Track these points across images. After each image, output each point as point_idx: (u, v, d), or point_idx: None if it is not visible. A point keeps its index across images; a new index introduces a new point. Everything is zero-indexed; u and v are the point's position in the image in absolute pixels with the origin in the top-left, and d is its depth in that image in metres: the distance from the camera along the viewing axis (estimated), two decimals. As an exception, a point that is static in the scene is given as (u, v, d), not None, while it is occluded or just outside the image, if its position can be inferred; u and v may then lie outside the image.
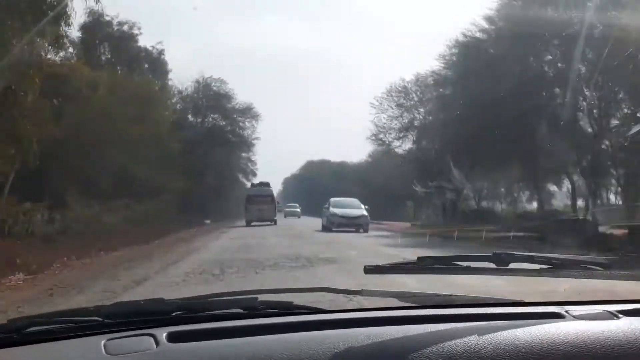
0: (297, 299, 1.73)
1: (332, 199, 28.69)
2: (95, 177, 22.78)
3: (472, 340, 1.41)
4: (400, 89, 36.18)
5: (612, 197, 29.34)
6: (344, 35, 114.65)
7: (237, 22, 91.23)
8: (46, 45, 14.59)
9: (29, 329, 1.55)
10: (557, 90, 22.10)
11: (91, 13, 27.14)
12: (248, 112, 44.65)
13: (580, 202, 25.93)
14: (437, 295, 1.87)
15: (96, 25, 30.73)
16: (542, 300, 1.81)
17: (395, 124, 36.58)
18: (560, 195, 33.88)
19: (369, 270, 1.80)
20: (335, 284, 4.36)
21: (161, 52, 35.75)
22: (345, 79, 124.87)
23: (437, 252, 11.48)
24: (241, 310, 1.66)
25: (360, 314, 1.66)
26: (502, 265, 1.84)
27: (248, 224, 32.28)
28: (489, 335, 1.43)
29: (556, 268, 1.85)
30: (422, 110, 35.75)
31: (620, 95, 20.89)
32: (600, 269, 1.83)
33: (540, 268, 1.84)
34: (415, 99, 35.87)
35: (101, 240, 15.76)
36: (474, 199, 36.76)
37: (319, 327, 1.52)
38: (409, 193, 38.52)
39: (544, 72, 22.24)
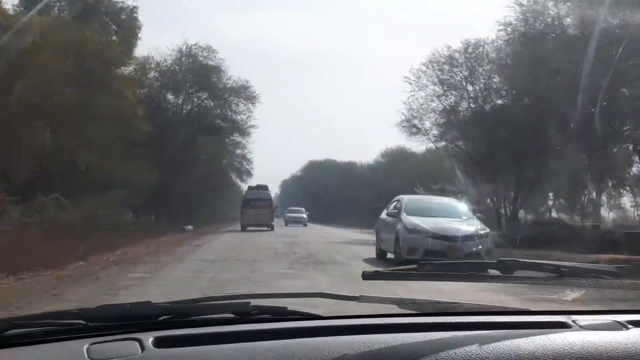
0: (292, 304, 1.68)
1: (405, 198, 15.21)
2: (10, 160, 16.67)
3: (474, 349, 1.36)
4: (444, 59, 27.25)
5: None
6: (346, 28, 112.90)
7: (233, 15, 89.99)
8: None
9: (8, 332, 1.50)
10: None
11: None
12: (243, 92, 36.09)
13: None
14: (438, 302, 1.82)
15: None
16: (548, 309, 1.76)
17: (437, 106, 28.10)
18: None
19: (367, 275, 1.75)
20: None
21: (133, 10, 28.21)
22: (349, 75, 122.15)
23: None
24: (232, 315, 1.62)
25: (357, 320, 1.61)
26: (507, 273, 1.79)
27: (243, 229, 31.63)
28: (491, 344, 1.38)
29: (564, 276, 1.79)
30: (474, 87, 27.25)
31: None
32: (610, 277, 1.77)
33: (547, 276, 1.79)
34: (464, 73, 27.20)
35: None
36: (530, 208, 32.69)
37: (314, 334, 1.48)
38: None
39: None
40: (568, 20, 21.48)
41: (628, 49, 17.27)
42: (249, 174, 52.47)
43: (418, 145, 34.56)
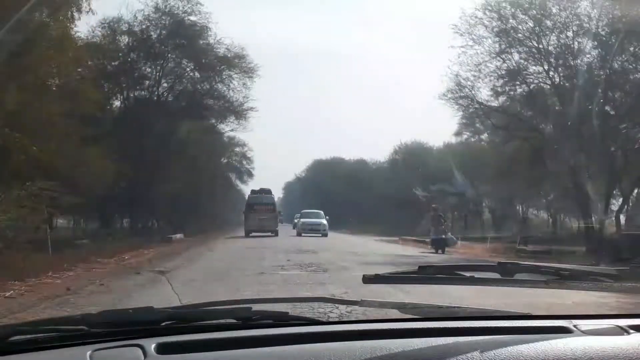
0: (294, 309, 1.68)
1: None
2: None
3: (475, 355, 1.36)
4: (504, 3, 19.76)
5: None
6: (345, 26, 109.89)
7: (230, 12, 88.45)
8: None
9: (12, 338, 1.50)
10: None
11: None
12: (238, 62, 27.88)
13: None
14: (440, 306, 1.81)
15: None
16: (549, 314, 1.75)
17: (498, 66, 20.43)
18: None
19: (368, 279, 1.75)
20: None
21: None
22: (351, 73, 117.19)
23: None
24: (234, 321, 1.61)
25: (359, 325, 1.61)
26: (507, 276, 1.79)
27: (247, 235, 30.45)
28: (493, 350, 1.38)
29: (564, 279, 1.79)
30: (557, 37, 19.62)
31: None
32: (611, 281, 1.77)
33: (548, 279, 1.79)
34: (531, 25, 19.53)
35: None
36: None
37: (316, 340, 1.47)
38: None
39: None
40: None
41: None
42: (250, 174, 48.45)
43: (464, 127, 31.64)
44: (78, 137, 17.41)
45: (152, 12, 26.16)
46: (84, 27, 22.56)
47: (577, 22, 19.06)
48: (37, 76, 15.52)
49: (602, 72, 18.90)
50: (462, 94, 21.33)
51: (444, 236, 20.69)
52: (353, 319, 1.70)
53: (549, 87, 20.50)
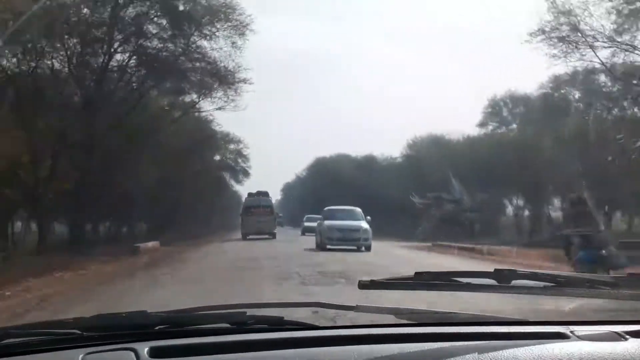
0: (288, 314, 1.67)
1: None
2: None
3: None
4: None
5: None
6: (343, 30, 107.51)
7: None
8: None
9: (4, 341, 1.49)
10: None
11: None
12: (224, 15, 21.13)
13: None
14: (436, 312, 1.81)
15: None
16: (546, 320, 1.75)
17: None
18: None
19: (363, 285, 1.75)
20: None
21: None
22: (347, 73, 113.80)
23: None
24: (229, 325, 1.61)
25: (355, 330, 1.60)
26: (504, 282, 1.78)
27: (244, 237, 30.24)
28: (489, 354, 1.38)
29: (561, 286, 1.79)
30: None
31: None
32: (608, 287, 1.77)
33: (544, 286, 1.79)
34: None
35: None
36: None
37: (311, 344, 1.47)
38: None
39: None
40: None
41: None
42: (246, 173, 44.79)
43: (490, 117, 29.70)
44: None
45: None
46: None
47: None
48: None
49: None
50: (561, 36, 16.22)
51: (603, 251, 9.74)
52: (348, 324, 1.69)
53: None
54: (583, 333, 1.56)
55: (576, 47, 17.85)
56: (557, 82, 25.17)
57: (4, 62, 16.97)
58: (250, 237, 29.96)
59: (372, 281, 1.79)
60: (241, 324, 1.60)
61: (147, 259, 16.61)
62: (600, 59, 18.18)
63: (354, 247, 20.32)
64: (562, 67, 20.80)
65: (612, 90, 19.84)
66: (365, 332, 1.58)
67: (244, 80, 23.01)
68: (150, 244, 21.04)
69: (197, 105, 25.48)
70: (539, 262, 14.10)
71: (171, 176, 25.15)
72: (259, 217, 31.29)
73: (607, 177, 20.17)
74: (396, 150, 48.31)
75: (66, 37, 18.45)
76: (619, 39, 17.30)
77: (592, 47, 17.55)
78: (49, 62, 18.69)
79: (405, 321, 1.73)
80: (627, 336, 1.53)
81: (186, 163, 27.29)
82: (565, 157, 21.41)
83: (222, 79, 22.83)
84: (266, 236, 30.26)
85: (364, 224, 21.24)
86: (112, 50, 20.35)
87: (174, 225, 29.79)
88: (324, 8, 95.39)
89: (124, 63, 21.31)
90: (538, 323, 1.70)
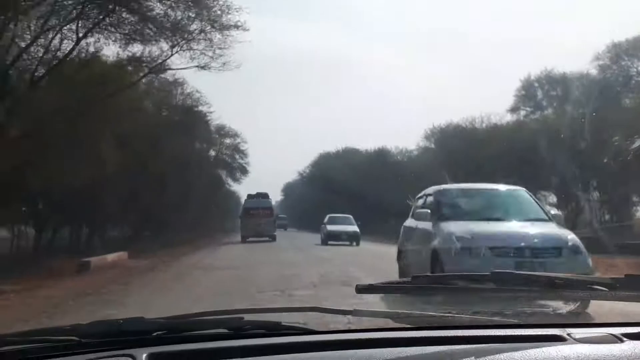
0: (285, 319, 1.67)
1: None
2: None
3: None
4: None
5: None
6: (341, 31, 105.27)
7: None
8: None
9: (1, 349, 1.49)
10: None
11: None
12: None
13: None
14: (433, 315, 1.81)
15: None
16: (543, 322, 1.74)
17: None
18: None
19: (361, 289, 1.74)
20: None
21: None
22: (354, 69, 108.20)
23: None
24: (226, 331, 1.61)
25: (352, 335, 1.60)
26: (501, 285, 1.78)
27: (244, 240, 29.94)
28: (486, 358, 1.38)
29: (558, 288, 1.78)
30: None
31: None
32: (606, 289, 1.76)
33: (542, 288, 1.78)
34: None
35: None
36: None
37: (308, 349, 1.47)
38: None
39: None
40: None
41: None
42: (244, 170, 41.72)
43: (522, 101, 25.03)
44: None
45: None
46: None
47: None
48: None
49: None
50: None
51: None
52: (346, 328, 1.69)
53: None
54: (580, 336, 1.56)
55: None
56: (615, 51, 22.60)
57: None
58: (250, 239, 29.62)
59: (370, 285, 1.79)
60: (238, 330, 1.60)
61: (91, 281, 12.71)
62: None
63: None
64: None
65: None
66: (362, 336, 1.58)
67: (237, 26, 15.77)
68: (112, 256, 16.47)
69: (168, 61, 16.96)
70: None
71: (145, 166, 19.59)
72: (258, 220, 30.94)
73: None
74: (411, 142, 45.06)
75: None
76: None
77: None
78: None
79: (402, 325, 1.73)
80: (625, 338, 1.53)
81: (164, 149, 21.44)
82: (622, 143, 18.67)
83: (205, 19, 15.60)
84: (266, 239, 29.89)
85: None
86: None
87: (162, 230, 26.43)
88: (325, 7, 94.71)
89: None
90: (535, 326, 1.70)
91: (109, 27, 15.33)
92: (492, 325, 1.70)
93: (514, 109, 30.87)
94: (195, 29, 15.89)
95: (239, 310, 1.72)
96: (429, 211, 8.84)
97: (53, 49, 15.05)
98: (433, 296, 1.96)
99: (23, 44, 14.33)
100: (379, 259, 15.33)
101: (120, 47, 16.08)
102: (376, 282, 1.81)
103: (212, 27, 15.82)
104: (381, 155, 46.33)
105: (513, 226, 8.33)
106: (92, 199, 18.46)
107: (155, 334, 1.56)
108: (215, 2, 15.38)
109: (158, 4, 15.05)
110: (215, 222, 43.28)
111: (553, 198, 28.17)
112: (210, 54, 16.32)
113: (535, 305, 1.97)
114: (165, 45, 16.26)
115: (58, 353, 1.49)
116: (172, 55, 16.49)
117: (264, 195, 33.53)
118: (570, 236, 8.06)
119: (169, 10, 15.27)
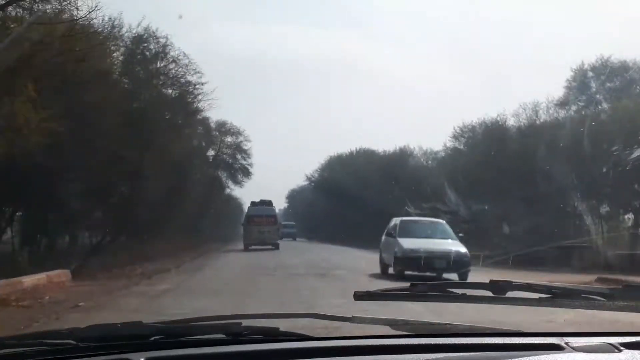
0: (284, 325, 1.66)
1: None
2: None
3: None
4: None
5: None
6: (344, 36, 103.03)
7: (231, 26, 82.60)
8: None
9: None
10: None
11: None
12: None
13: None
14: (432, 323, 1.80)
15: None
16: (541, 331, 1.74)
17: None
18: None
19: (359, 296, 1.74)
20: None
21: None
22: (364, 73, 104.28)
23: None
24: (224, 336, 1.60)
25: (350, 341, 1.59)
26: (499, 294, 1.78)
27: (246, 248, 29.25)
28: None
29: (556, 297, 1.78)
30: None
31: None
32: (603, 299, 1.76)
33: (540, 297, 1.78)
34: None
35: None
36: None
37: (307, 355, 1.46)
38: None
39: None
40: None
41: None
42: (246, 172, 37.79)
43: (575, 93, 21.32)
44: None
45: None
46: None
47: None
48: None
49: None
50: None
51: None
52: (344, 335, 1.69)
53: None
54: (578, 344, 1.55)
55: None
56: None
57: None
58: (253, 247, 28.95)
59: (367, 292, 1.79)
60: (237, 335, 1.59)
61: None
62: None
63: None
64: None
65: None
66: (360, 343, 1.58)
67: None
68: (39, 278, 10.86)
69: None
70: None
71: (118, 154, 15.38)
72: (261, 227, 30.27)
73: None
74: (437, 143, 39.62)
75: None
76: None
77: None
78: None
79: (400, 332, 1.72)
80: (622, 347, 1.53)
81: (140, 134, 16.87)
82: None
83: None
84: (269, 247, 29.14)
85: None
86: None
87: (142, 237, 21.33)
88: (326, 12, 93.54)
89: None
90: (533, 334, 1.70)
91: None
92: (490, 333, 1.70)
93: (562, 103, 25.55)
94: None
95: (238, 316, 1.71)
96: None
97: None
98: (431, 303, 1.96)
99: None
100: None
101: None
102: (374, 290, 1.81)
103: None
104: (401, 157, 40.88)
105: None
106: (38, 192, 14.11)
107: (152, 338, 1.55)
108: None
109: None
110: (213, 229, 40.28)
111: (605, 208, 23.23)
112: None
113: (533, 313, 1.97)
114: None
115: (55, 357, 1.48)
116: None
117: (268, 203, 32.66)
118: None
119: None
